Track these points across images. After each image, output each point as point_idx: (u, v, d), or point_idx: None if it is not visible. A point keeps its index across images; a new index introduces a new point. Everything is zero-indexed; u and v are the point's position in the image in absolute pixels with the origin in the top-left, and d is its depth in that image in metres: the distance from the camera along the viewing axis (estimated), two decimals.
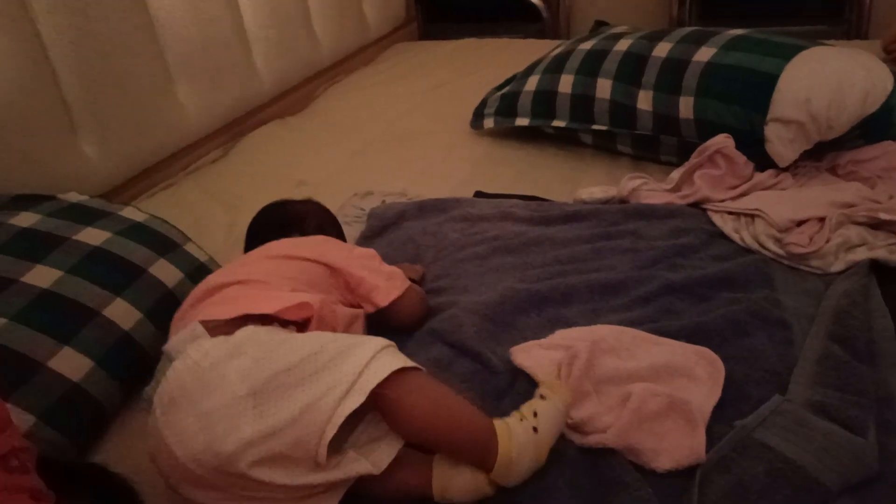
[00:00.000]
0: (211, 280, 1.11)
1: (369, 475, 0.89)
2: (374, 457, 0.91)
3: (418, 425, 0.90)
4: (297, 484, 0.87)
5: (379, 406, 0.90)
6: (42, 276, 1.14)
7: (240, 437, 0.84)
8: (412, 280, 1.29)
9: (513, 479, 0.89)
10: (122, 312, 1.17)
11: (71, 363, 1.07)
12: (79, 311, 1.12)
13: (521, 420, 0.92)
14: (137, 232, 1.31)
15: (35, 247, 1.18)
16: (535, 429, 0.90)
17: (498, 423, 0.91)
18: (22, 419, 0.99)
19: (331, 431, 0.85)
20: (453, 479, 0.90)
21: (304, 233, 1.33)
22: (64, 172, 1.59)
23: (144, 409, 0.96)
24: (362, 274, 1.20)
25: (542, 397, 0.96)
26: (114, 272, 1.21)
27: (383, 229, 1.60)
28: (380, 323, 1.20)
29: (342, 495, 0.91)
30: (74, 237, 1.22)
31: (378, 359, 0.90)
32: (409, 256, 1.49)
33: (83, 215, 1.29)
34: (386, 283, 1.21)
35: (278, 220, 1.37)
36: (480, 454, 0.89)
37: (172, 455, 0.88)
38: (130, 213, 1.36)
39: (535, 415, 0.92)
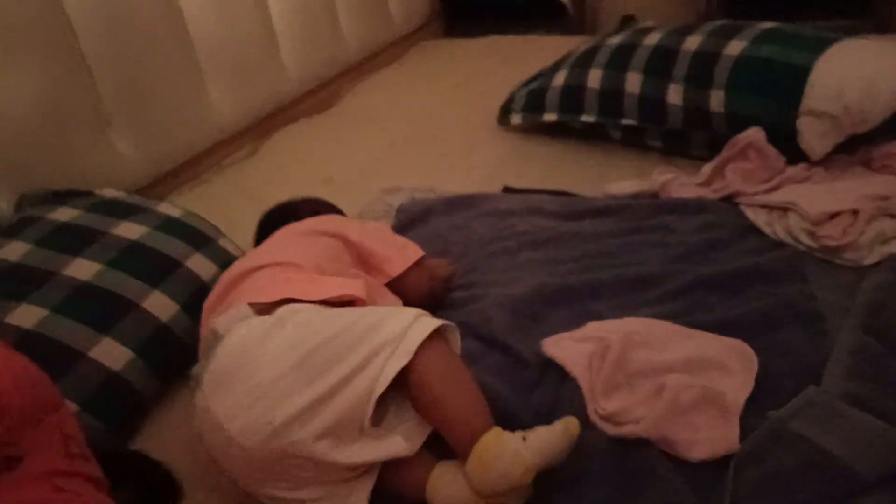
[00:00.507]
0: (244, 263, 1.14)
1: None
2: (411, 439, 0.94)
3: (426, 396, 0.93)
4: (340, 458, 0.89)
5: (408, 373, 0.92)
6: (82, 268, 1.16)
7: (291, 407, 0.88)
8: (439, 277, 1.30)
9: (485, 475, 0.87)
10: (159, 304, 1.19)
11: (111, 353, 1.10)
12: (118, 302, 1.15)
13: (514, 432, 0.91)
14: (173, 226, 1.33)
15: (75, 241, 1.21)
16: (524, 438, 0.89)
17: (495, 428, 0.91)
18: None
19: (379, 389, 0.89)
20: (445, 488, 0.90)
21: (299, 217, 1.34)
22: (99, 169, 1.62)
23: (192, 388, 0.98)
24: (375, 246, 1.23)
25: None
26: (151, 265, 1.23)
27: (411, 224, 1.60)
28: None
29: (371, 486, 0.93)
30: (113, 231, 1.25)
31: (417, 323, 0.95)
32: (437, 252, 1.49)
33: (120, 210, 1.32)
34: (397, 253, 1.23)
35: (284, 214, 1.38)
36: (461, 441, 0.90)
37: (222, 431, 0.90)
38: (166, 208, 1.38)
39: (533, 430, 0.91)
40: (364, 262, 1.22)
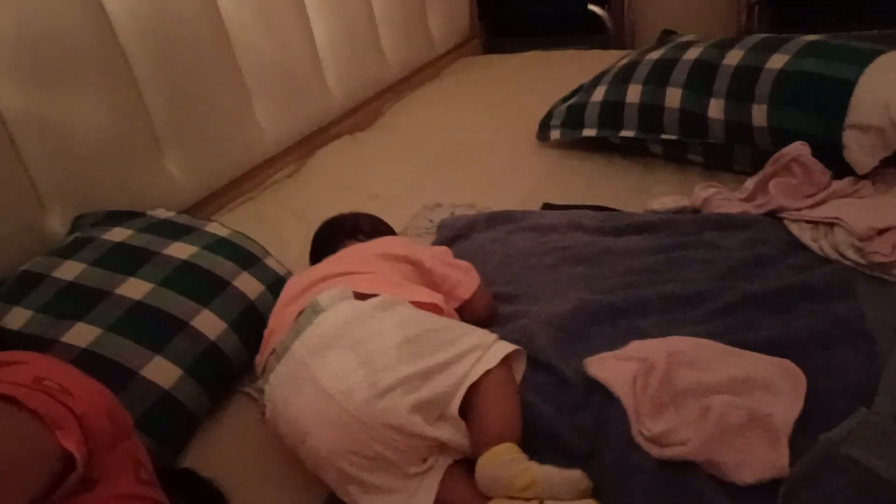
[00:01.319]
0: (314, 272, 1.20)
1: None
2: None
3: (487, 397, 1.00)
4: (428, 432, 0.95)
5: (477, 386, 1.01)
6: (135, 288, 1.20)
7: (396, 374, 0.96)
8: None
9: (493, 475, 0.93)
10: (209, 323, 1.22)
11: (162, 371, 1.13)
12: (169, 321, 1.18)
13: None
14: (222, 246, 1.36)
15: (128, 260, 1.25)
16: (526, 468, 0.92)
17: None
18: None
19: (468, 382, 0.99)
20: None
21: (364, 233, 1.42)
22: (150, 190, 1.67)
23: (257, 389, 1.08)
24: (446, 271, 1.29)
25: None
26: (201, 284, 1.26)
27: (453, 239, 1.62)
28: None
29: (436, 488, 0.97)
30: (164, 251, 1.29)
31: (499, 341, 1.07)
32: (477, 266, 1.50)
33: (171, 230, 1.36)
34: (465, 277, 1.30)
35: (340, 229, 1.45)
36: (490, 438, 0.96)
37: (321, 392, 0.96)
38: (215, 228, 1.42)
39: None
40: (436, 286, 1.26)
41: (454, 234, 1.63)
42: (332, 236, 1.42)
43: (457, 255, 1.54)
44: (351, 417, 0.94)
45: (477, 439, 0.98)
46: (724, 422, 0.95)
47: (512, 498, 0.91)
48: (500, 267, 1.47)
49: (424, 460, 0.98)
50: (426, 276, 1.27)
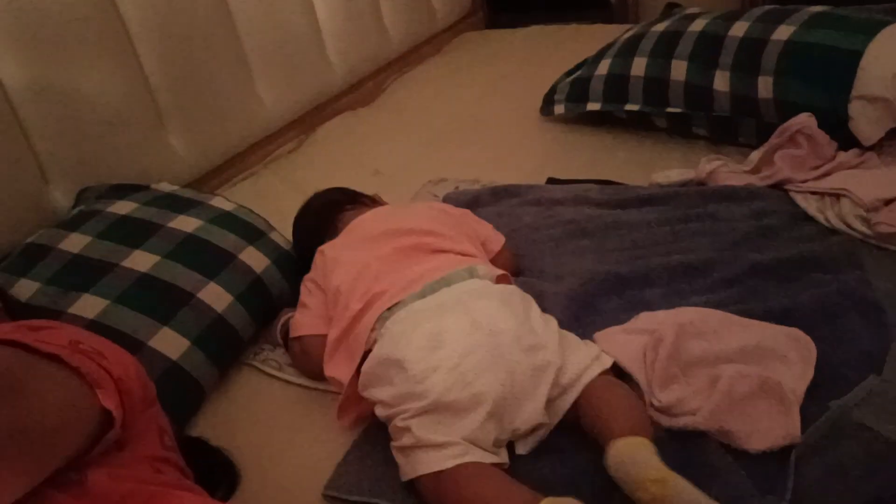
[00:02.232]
0: (384, 220, 1.29)
1: None
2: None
3: (608, 398, 0.99)
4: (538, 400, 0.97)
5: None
6: (141, 260, 1.20)
7: (549, 340, 1.02)
8: None
9: (624, 459, 0.88)
10: (215, 296, 1.22)
11: (170, 343, 1.13)
12: (176, 293, 1.18)
13: None
14: (227, 220, 1.36)
15: (133, 233, 1.25)
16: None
17: None
18: None
19: (589, 376, 1.01)
20: None
21: (364, 203, 1.42)
22: (153, 164, 1.67)
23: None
24: (476, 226, 1.36)
25: None
26: (207, 258, 1.26)
27: None
28: None
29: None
30: (169, 224, 1.28)
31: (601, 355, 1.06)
32: None
33: (176, 204, 1.35)
34: (493, 232, 1.37)
35: (338, 201, 1.43)
36: (630, 429, 0.92)
37: (469, 319, 1.02)
38: (219, 202, 1.42)
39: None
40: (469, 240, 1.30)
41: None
42: (336, 208, 1.41)
43: None
44: (509, 359, 0.97)
45: (609, 426, 0.93)
46: (733, 390, 0.95)
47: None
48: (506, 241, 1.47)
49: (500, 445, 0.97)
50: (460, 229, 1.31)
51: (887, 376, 0.98)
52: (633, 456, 0.86)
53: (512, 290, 1.13)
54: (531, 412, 0.96)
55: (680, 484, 0.82)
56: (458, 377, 0.96)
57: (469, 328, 1.00)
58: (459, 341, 0.99)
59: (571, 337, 1.08)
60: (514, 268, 1.37)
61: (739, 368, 0.98)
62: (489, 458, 0.93)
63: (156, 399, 0.87)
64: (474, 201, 1.63)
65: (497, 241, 1.36)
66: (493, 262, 1.27)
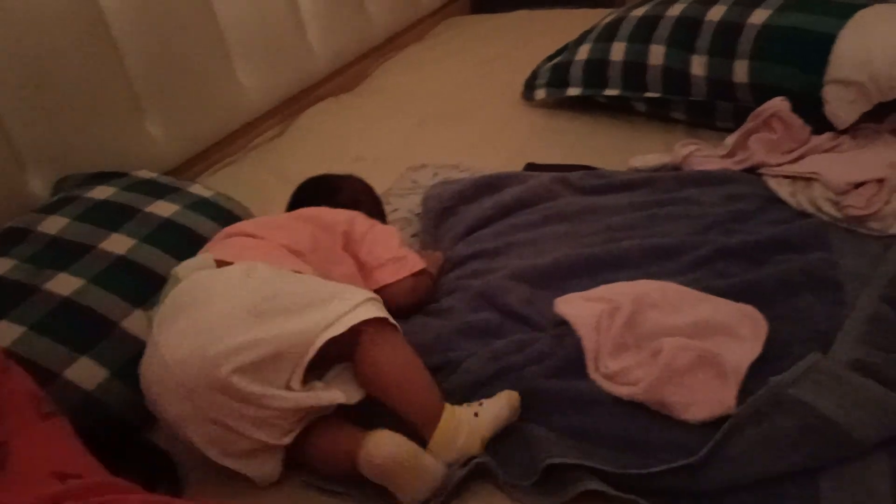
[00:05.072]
0: (240, 226, 1.23)
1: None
2: (348, 391, 1.00)
3: (383, 375, 0.99)
4: (270, 397, 0.93)
5: (354, 348, 0.99)
6: (118, 243, 1.22)
7: (229, 343, 0.92)
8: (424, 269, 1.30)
9: (448, 454, 0.95)
10: None
11: (142, 324, 1.14)
12: (150, 276, 1.20)
13: (467, 405, 0.98)
14: (204, 206, 1.37)
15: (111, 217, 1.27)
16: (476, 414, 0.96)
17: (446, 405, 0.97)
18: (96, 373, 1.07)
19: (309, 355, 0.95)
20: (385, 443, 0.92)
21: (335, 202, 1.38)
22: (131, 152, 1.67)
23: (147, 329, 1.04)
24: (375, 251, 1.26)
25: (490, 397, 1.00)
26: (183, 242, 1.27)
27: (442, 214, 1.55)
28: None
29: (281, 456, 0.99)
30: (147, 209, 1.30)
31: (365, 305, 1.00)
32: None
33: (154, 190, 1.37)
34: (393, 263, 1.26)
35: (315, 189, 1.44)
36: (423, 420, 0.96)
37: (162, 361, 0.95)
38: (198, 189, 1.43)
39: (481, 404, 0.98)
40: (360, 265, 1.25)
41: (442, 208, 1.56)
42: (308, 198, 1.41)
43: (446, 232, 1.51)
44: (186, 386, 0.93)
45: (408, 421, 0.97)
46: (673, 363, 0.97)
47: None
48: (483, 224, 1.48)
49: (289, 431, 0.97)
50: (353, 249, 1.25)
51: (835, 354, 1.00)
52: (451, 456, 0.95)
53: (223, 277, 1.04)
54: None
55: (487, 423, 0.96)
56: (177, 427, 0.98)
57: (163, 375, 0.96)
58: (162, 399, 0.98)
59: (323, 296, 1.01)
60: (408, 300, 1.25)
61: (680, 342, 1.00)
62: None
63: (5, 366, 0.81)
64: (457, 199, 1.57)
65: (390, 273, 1.25)
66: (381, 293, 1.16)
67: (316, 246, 1.19)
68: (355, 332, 0.98)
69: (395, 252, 1.27)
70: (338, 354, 1.00)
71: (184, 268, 1.07)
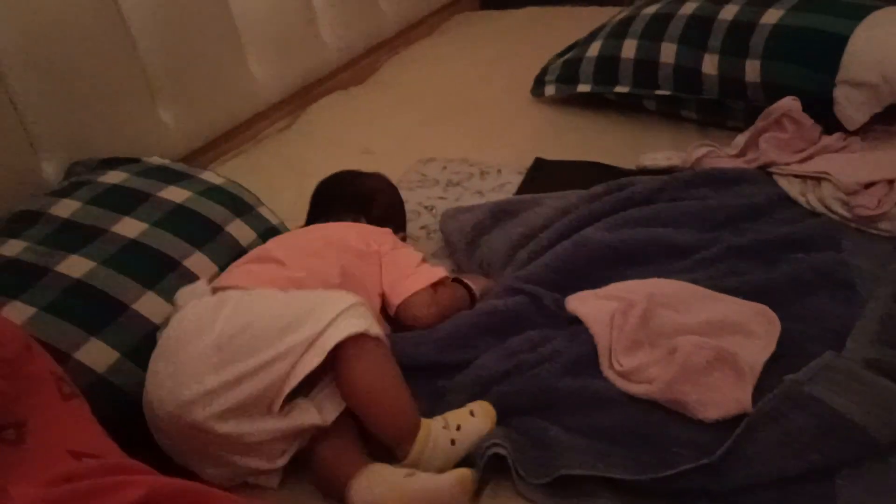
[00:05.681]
0: (261, 250, 1.22)
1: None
2: (324, 411, 0.97)
3: (358, 389, 0.96)
4: (248, 434, 0.93)
5: (335, 363, 0.96)
6: (129, 227, 1.22)
7: (198, 389, 0.92)
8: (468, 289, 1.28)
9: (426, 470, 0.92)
10: (200, 265, 1.24)
11: (154, 307, 1.14)
12: (162, 260, 1.20)
13: (445, 427, 0.95)
14: (216, 193, 1.37)
15: (123, 201, 1.27)
16: (452, 441, 0.94)
17: (423, 422, 0.95)
18: (107, 355, 1.07)
19: (287, 388, 0.93)
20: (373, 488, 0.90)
21: (369, 215, 1.38)
22: (143, 138, 1.67)
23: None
24: (395, 273, 1.23)
25: (471, 414, 0.98)
26: (194, 228, 1.28)
27: (468, 248, 1.44)
28: None
29: (280, 476, 0.99)
30: (159, 194, 1.30)
31: (343, 318, 0.97)
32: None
33: (167, 176, 1.37)
34: (408, 279, 1.22)
35: (348, 194, 1.43)
36: (397, 440, 0.94)
37: (147, 399, 0.97)
38: (209, 176, 1.43)
39: (458, 428, 0.95)
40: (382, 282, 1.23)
41: (466, 243, 1.44)
42: (331, 203, 1.40)
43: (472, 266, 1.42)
44: (166, 424, 0.95)
45: (382, 440, 0.97)
46: (689, 361, 0.97)
47: None
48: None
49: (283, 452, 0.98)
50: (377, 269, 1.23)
51: (848, 353, 1.00)
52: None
53: (201, 309, 1.03)
54: None
55: (466, 436, 0.94)
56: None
57: (148, 411, 0.99)
58: (155, 432, 0.99)
59: (299, 315, 0.98)
60: (419, 322, 1.19)
61: (696, 340, 0.99)
62: None
63: (30, 345, 0.81)
64: (477, 230, 1.46)
65: (403, 290, 1.20)
66: (398, 313, 1.20)
67: (345, 277, 1.16)
68: (334, 348, 0.96)
69: (413, 270, 1.24)
70: (322, 367, 0.97)
71: (182, 295, 1.09)
